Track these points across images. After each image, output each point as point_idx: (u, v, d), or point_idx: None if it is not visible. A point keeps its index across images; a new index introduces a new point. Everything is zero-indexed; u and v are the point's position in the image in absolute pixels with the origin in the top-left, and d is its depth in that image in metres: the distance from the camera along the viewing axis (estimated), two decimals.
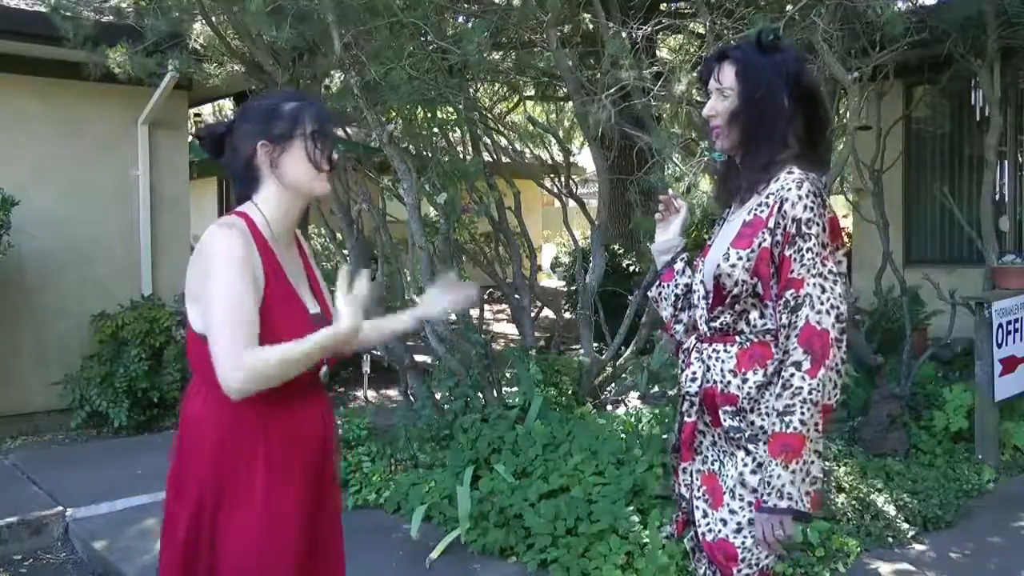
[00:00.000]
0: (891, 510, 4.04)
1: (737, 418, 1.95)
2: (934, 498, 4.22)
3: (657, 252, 2.29)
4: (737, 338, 1.98)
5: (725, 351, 1.99)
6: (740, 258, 1.94)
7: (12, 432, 6.14)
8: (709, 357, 2.02)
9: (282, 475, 1.90)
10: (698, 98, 4.37)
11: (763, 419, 1.92)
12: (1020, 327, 5.06)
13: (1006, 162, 6.93)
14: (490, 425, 4.56)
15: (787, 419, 1.83)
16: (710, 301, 2.02)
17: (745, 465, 1.93)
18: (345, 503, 4.42)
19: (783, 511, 1.83)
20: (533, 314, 6.11)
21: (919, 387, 5.26)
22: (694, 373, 2.03)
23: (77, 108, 6.42)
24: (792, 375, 1.84)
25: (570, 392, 5.21)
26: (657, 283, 2.28)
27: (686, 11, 7.31)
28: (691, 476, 2.09)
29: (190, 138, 7.64)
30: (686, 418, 2.05)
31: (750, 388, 1.93)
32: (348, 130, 6.38)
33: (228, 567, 1.86)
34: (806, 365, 1.83)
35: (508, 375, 5.38)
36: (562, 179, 6.32)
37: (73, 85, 6.08)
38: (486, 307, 8.67)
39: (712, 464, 2.04)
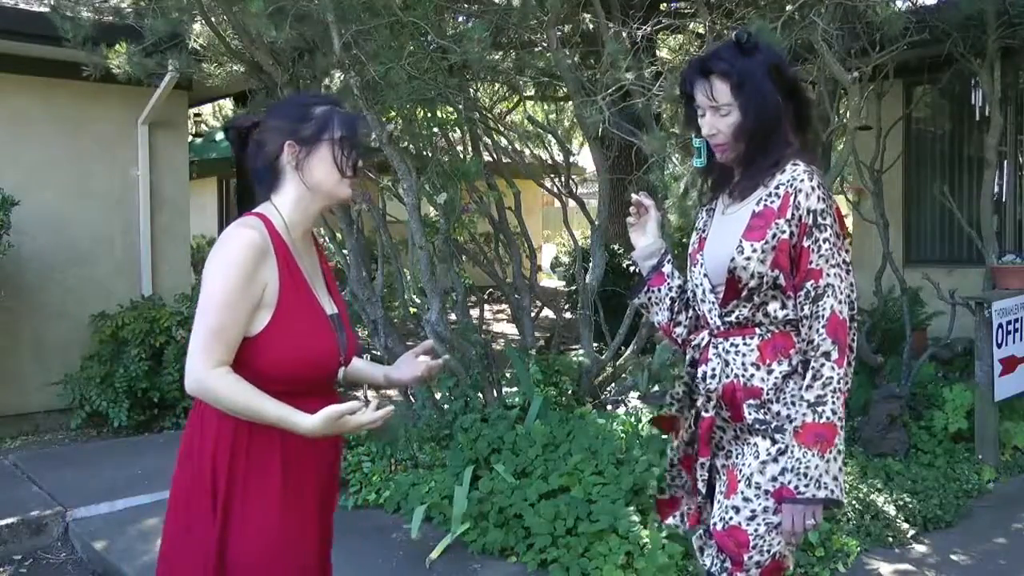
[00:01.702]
0: (891, 510, 4.04)
1: (762, 410, 1.95)
2: (934, 498, 4.22)
3: (640, 258, 2.25)
4: (757, 330, 1.97)
5: (745, 344, 1.98)
6: (755, 250, 1.93)
7: (12, 432, 6.15)
8: (727, 351, 2.00)
9: (297, 474, 1.90)
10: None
11: (789, 408, 1.93)
12: (1020, 327, 5.06)
13: (1006, 162, 6.93)
14: (490, 425, 4.56)
15: (820, 409, 1.86)
16: (720, 295, 2.00)
17: (768, 454, 1.93)
18: (345, 503, 4.43)
19: (820, 501, 1.86)
20: (533, 314, 6.10)
21: (919, 387, 5.26)
22: (713, 369, 2.01)
23: (77, 108, 6.42)
24: (823, 365, 1.87)
25: (570, 392, 5.21)
26: (645, 289, 2.23)
27: (686, 11, 7.30)
28: (709, 471, 2.08)
29: (190, 138, 7.64)
30: (703, 413, 2.03)
31: (776, 379, 1.94)
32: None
33: (242, 564, 1.85)
34: (834, 355, 1.87)
35: (508, 375, 5.38)
36: (562, 179, 6.32)
37: (73, 85, 6.08)
38: (486, 307, 8.67)
39: (736, 458, 2.03)
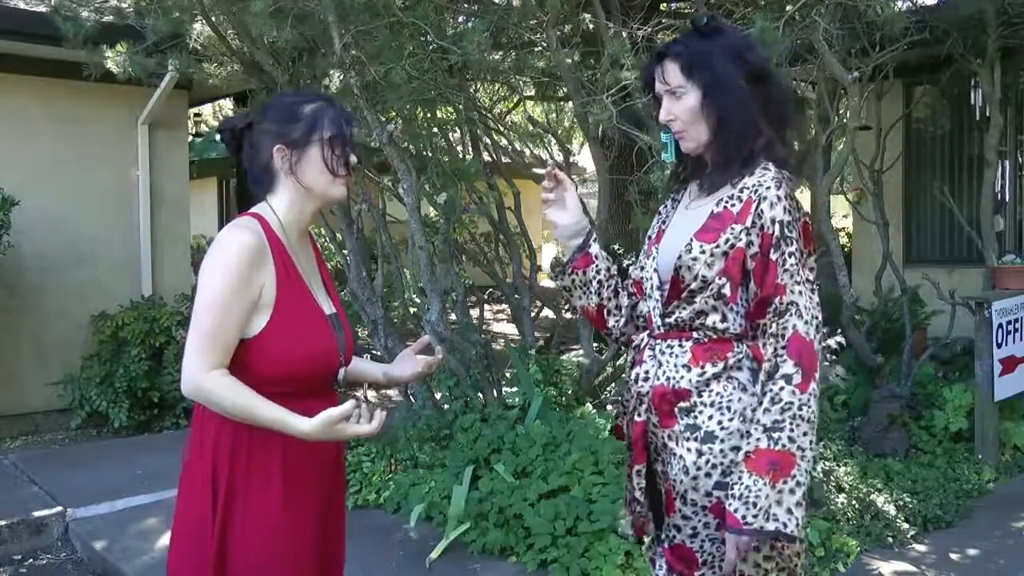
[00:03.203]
0: (891, 510, 4.04)
1: (692, 415, 1.82)
2: (934, 498, 4.22)
3: (564, 237, 2.05)
4: (694, 334, 1.85)
5: (680, 346, 1.86)
6: (703, 252, 1.80)
7: (12, 432, 6.15)
8: (662, 353, 1.89)
9: (298, 475, 1.90)
10: None
11: (720, 412, 1.80)
12: (1020, 327, 5.06)
13: (1006, 162, 6.93)
14: (490, 425, 4.56)
15: (775, 435, 1.71)
16: (665, 293, 1.89)
17: (698, 468, 1.81)
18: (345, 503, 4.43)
19: (768, 534, 1.70)
20: (533, 314, 6.10)
21: (919, 387, 5.26)
22: (647, 371, 1.90)
23: (77, 108, 6.42)
24: (782, 389, 1.72)
25: (570, 392, 5.21)
26: (569, 270, 2.04)
27: (686, 11, 7.30)
28: (649, 478, 1.95)
29: (190, 138, 7.64)
30: (636, 417, 1.92)
31: (708, 378, 1.81)
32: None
33: (242, 565, 1.84)
34: (797, 379, 1.72)
35: (508, 375, 5.38)
36: None
37: (73, 85, 6.08)
38: (486, 307, 8.67)
39: (668, 468, 1.89)
